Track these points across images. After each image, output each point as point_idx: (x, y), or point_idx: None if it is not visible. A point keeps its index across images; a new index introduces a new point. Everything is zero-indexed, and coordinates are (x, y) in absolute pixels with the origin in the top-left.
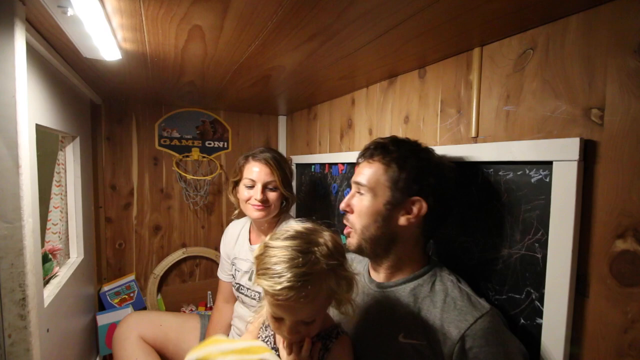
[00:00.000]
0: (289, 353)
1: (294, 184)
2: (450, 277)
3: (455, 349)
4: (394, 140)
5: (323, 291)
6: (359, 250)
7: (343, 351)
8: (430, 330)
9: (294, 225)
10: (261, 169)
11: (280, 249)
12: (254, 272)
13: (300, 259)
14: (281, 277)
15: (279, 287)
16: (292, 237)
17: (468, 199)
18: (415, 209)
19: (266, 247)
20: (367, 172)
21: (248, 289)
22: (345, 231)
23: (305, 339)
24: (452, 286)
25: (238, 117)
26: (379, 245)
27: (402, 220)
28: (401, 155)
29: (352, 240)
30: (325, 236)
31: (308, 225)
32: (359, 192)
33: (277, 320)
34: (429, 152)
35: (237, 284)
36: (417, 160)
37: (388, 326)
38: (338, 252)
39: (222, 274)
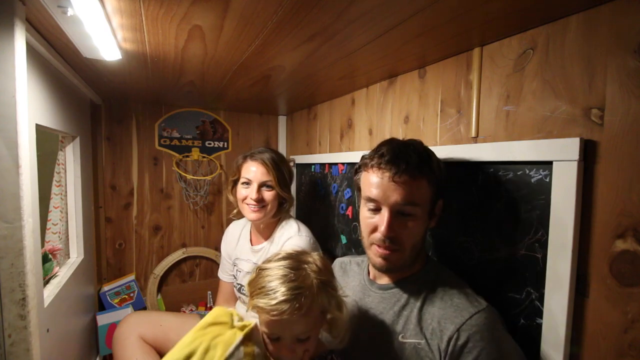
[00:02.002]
0: None
1: (293, 185)
2: (449, 276)
3: (450, 344)
4: (417, 147)
5: (315, 305)
6: (396, 269)
7: None
8: (428, 329)
9: (283, 249)
10: (258, 168)
11: (273, 269)
12: (248, 297)
13: (292, 274)
14: (276, 292)
15: (274, 302)
16: (283, 259)
17: (468, 199)
18: (438, 210)
19: (259, 270)
20: (416, 190)
21: None
22: (381, 252)
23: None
24: (450, 285)
25: (238, 117)
26: (414, 255)
27: (433, 223)
28: (435, 162)
29: (392, 264)
30: (314, 256)
31: (297, 249)
32: (405, 214)
33: (274, 341)
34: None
35: (238, 284)
36: (440, 164)
37: (388, 327)
38: (327, 270)
39: (223, 274)
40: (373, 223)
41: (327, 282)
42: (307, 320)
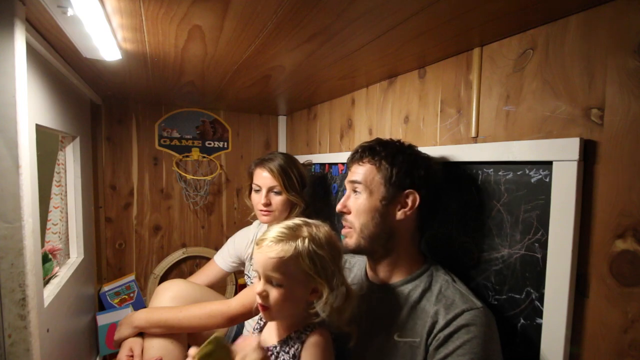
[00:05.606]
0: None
1: None
2: (446, 277)
3: (438, 335)
4: (379, 141)
5: (294, 257)
6: (358, 250)
7: (316, 344)
8: (423, 328)
9: None
10: (266, 175)
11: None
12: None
13: (290, 225)
14: (268, 232)
15: (263, 236)
16: (301, 220)
17: (468, 199)
18: (410, 202)
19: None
20: (361, 171)
21: None
22: (343, 232)
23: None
24: (446, 285)
25: (238, 117)
26: (377, 243)
27: (400, 215)
28: (389, 153)
29: (351, 240)
30: (323, 226)
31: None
32: (354, 192)
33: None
34: (413, 148)
35: (252, 282)
36: (404, 155)
37: (384, 326)
38: (327, 242)
39: (221, 260)
40: None
41: (319, 248)
42: (282, 264)
